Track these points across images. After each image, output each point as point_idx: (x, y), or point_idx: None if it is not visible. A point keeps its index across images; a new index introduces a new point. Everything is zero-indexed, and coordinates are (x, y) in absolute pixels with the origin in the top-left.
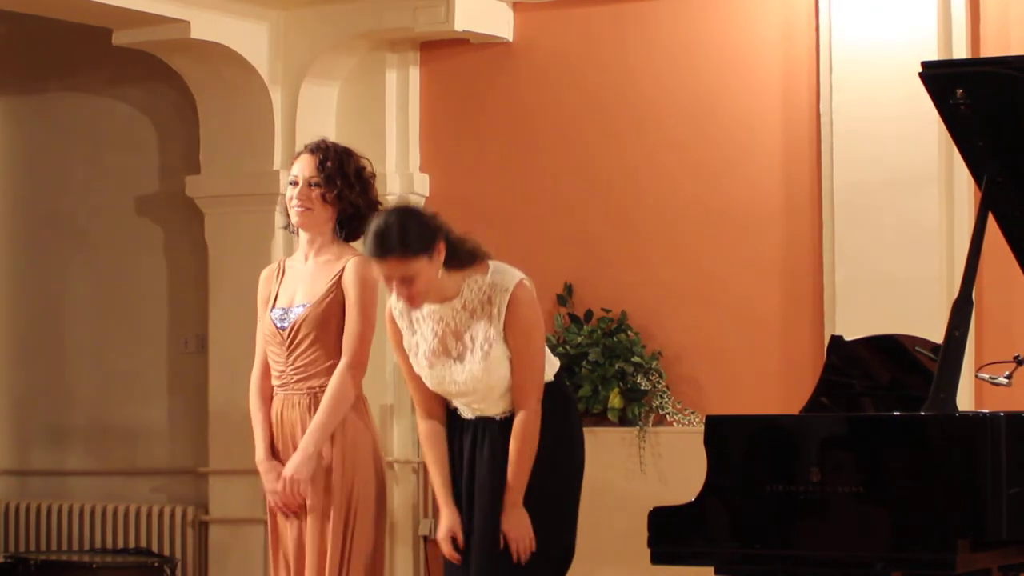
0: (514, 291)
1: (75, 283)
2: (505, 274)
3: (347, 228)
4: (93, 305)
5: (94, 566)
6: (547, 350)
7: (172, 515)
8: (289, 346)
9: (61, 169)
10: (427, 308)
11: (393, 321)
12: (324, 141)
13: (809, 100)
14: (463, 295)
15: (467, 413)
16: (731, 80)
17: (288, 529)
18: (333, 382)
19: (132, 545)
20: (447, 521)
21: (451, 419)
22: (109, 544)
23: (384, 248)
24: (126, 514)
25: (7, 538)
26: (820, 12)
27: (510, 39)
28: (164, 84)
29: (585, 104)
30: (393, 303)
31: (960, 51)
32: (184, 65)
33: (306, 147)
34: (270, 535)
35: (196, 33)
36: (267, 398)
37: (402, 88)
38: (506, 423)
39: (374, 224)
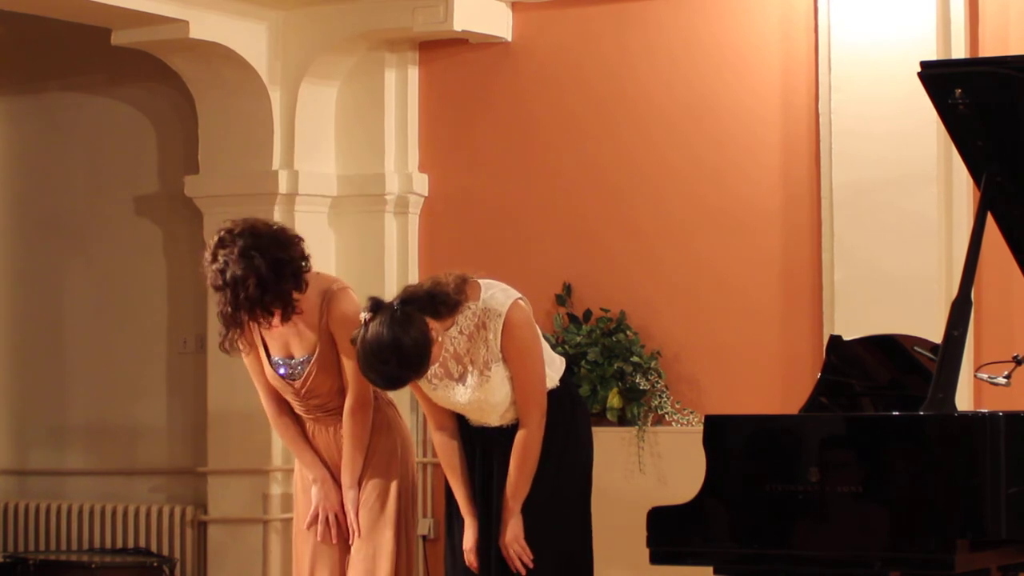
0: (508, 314)
1: (74, 283)
2: (497, 296)
3: (294, 287)
4: (92, 305)
5: (93, 566)
6: (551, 353)
7: (171, 515)
8: (305, 395)
9: (60, 169)
10: None
11: None
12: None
13: (808, 99)
14: (458, 323)
15: (472, 423)
16: (730, 80)
17: (319, 543)
18: (347, 426)
19: (131, 545)
20: (473, 532)
21: (461, 427)
22: (108, 544)
23: (400, 384)
24: (125, 514)
25: (6, 538)
26: (819, 11)
27: (509, 39)
28: (163, 84)
29: (584, 104)
30: None
31: (959, 51)
32: (183, 65)
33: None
34: (298, 547)
35: (195, 33)
36: (292, 422)
37: (401, 88)
38: (514, 429)
39: (375, 367)
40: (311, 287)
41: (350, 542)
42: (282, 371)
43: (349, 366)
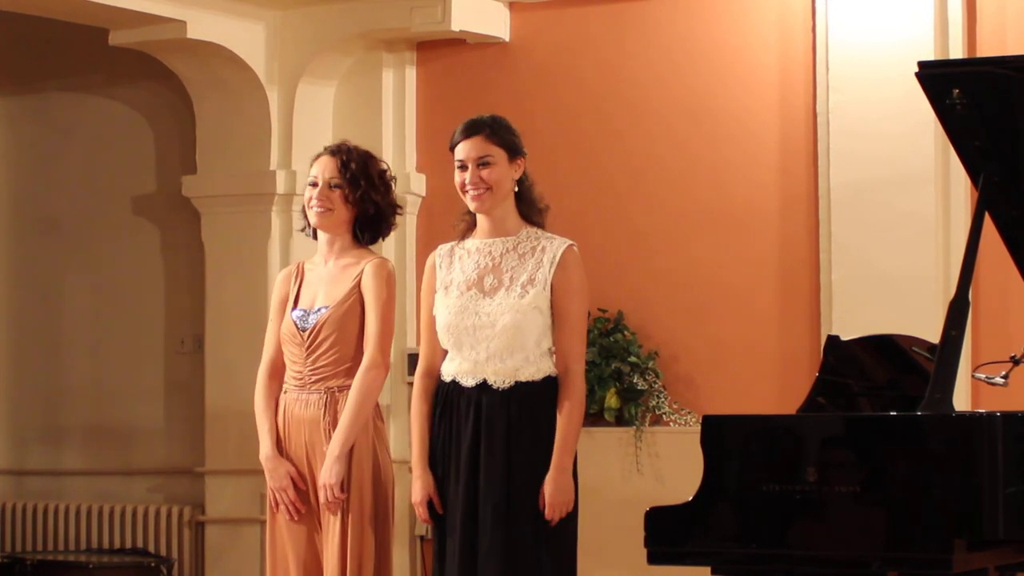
0: (568, 249)
1: (71, 283)
2: (560, 238)
3: (367, 231)
4: (90, 305)
5: (91, 566)
6: None
7: (168, 515)
8: (309, 347)
9: (58, 169)
10: (478, 243)
11: (433, 268)
12: (345, 143)
13: (806, 99)
14: (519, 236)
15: (469, 380)
16: (728, 80)
17: (289, 529)
18: (357, 383)
19: (128, 545)
20: (423, 485)
21: (448, 394)
22: (106, 544)
23: (473, 127)
24: (122, 514)
25: (3, 538)
26: (817, 11)
27: (506, 39)
28: (161, 84)
29: (582, 104)
30: (440, 248)
31: (956, 51)
32: (181, 65)
33: (326, 149)
34: (269, 533)
35: (193, 33)
36: (274, 397)
37: (399, 88)
38: (508, 396)
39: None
40: (365, 252)
41: (322, 515)
42: (299, 323)
43: (373, 325)
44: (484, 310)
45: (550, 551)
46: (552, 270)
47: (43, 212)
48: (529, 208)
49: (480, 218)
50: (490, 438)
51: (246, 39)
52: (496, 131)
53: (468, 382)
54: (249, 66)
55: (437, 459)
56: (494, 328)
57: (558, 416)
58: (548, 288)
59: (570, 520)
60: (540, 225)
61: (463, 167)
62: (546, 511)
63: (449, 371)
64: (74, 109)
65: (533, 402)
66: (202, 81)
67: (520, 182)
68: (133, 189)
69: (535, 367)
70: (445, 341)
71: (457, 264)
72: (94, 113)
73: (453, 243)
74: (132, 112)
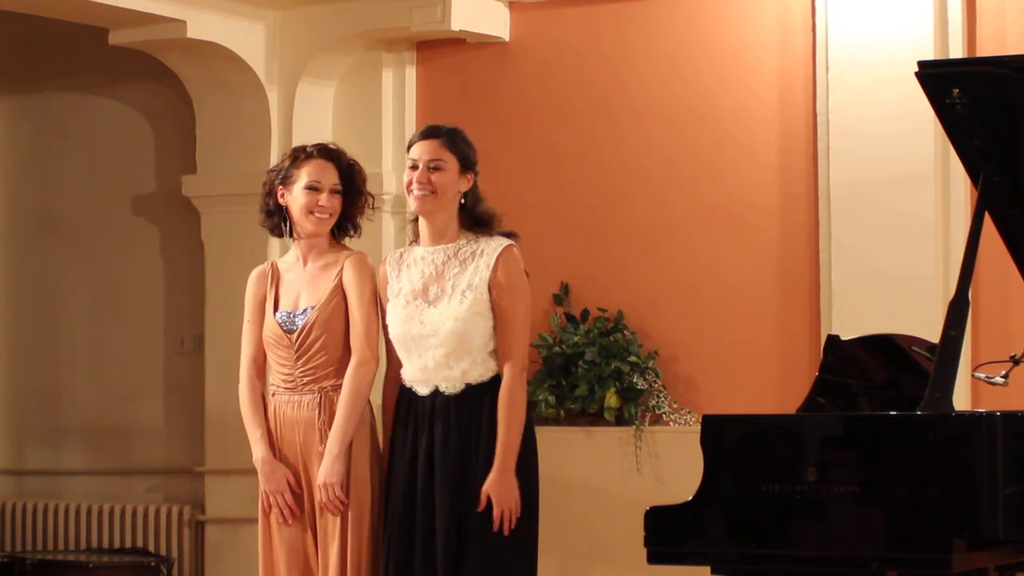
0: (505, 249)
1: (71, 282)
2: (500, 238)
3: (344, 230)
4: (89, 304)
5: (90, 566)
6: None
7: (168, 515)
8: (299, 349)
9: (57, 169)
10: (421, 251)
11: (384, 278)
12: (327, 145)
13: (805, 99)
14: (459, 243)
15: (423, 389)
16: (728, 79)
17: (281, 532)
18: (347, 381)
19: (128, 545)
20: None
21: (407, 401)
22: (105, 544)
23: (433, 131)
24: (122, 514)
25: (3, 538)
26: (816, 11)
27: (506, 39)
28: (160, 84)
29: (581, 104)
30: (389, 256)
31: (956, 50)
32: (180, 65)
33: (319, 152)
34: (261, 536)
35: (192, 33)
36: (261, 399)
37: (398, 88)
38: (460, 400)
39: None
40: (342, 249)
41: (331, 513)
42: (284, 325)
43: (359, 323)
44: (428, 319)
45: (510, 551)
46: (489, 272)
47: (43, 212)
48: (472, 222)
49: (423, 226)
50: (444, 442)
51: (246, 39)
52: (453, 140)
53: (422, 391)
54: (249, 66)
55: (395, 462)
56: (438, 336)
57: (500, 418)
58: (486, 290)
59: (527, 521)
60: (490, 229)
61: (414, 166)
62: (493, 514)
63: (406, 378)
64: (74, 109)
65: (484, 402)
66: (202, 81)
67: (466, 195)
68: (133, 189)
69: (482, 368)
70: (397, 350)
71: (405, 273)
72: (94, 113)
73: (402, 249)
74: (132, 112)
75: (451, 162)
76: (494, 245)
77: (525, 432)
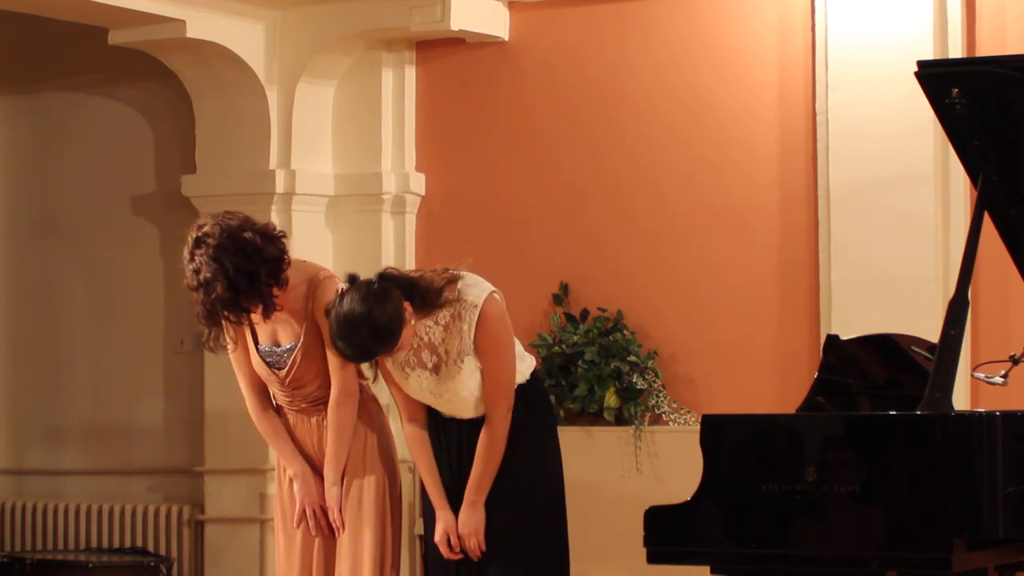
0: (483, 307)
1: (71, 282)
2: (475, 288)
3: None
4: (89, 304)
5: (90, 566)
6: (522, 350)
7: (168, 514)
8: (291, 383)
9: (57, 169)
10: None
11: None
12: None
13: (805, 98)
14: (435, 313)
15: (443, 415)
16: (727, 79)
17: (305, 537)
18: (332, 418)
19: (128, 544)
20: (443, 523)
21: (432, 418)
22: (105, 544)
23: (368, 357)
24: (122, 513)
25: (3, 538)
26: (816, 11)
27: (506, 38)
28: (160, 83)
29: (581, 103)
30: None
31: (956, 50)
32: (180, 64)
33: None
34: (283, 543)
35: (192, 32)
36: (273, 411)
37: (398, 87)
38: (481, 421)
39: (345, 336)
40: (298, 275)
41: (337, 535)
42: (268, 360)
43: (333, 358)
44: (433, 388)
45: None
46: (472, 333)
47: (42, 212)
48: (429, 303)
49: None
50: (471, 452)
51: (246, 38)
52: (387, 345)
53: (445, 416)
54: (249, 66)
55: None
56: (452, 403)
57: (476, 457)
58: (474, 350)
59: (556, 524)
60: (449, 285)
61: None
62: (467, 548)
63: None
64: (74, 109)
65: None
66: (201, 81)
67: (419, 303)
68: (132, 189)
69: None
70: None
71: None
72: (93, 113)
73: None
74: (131, 111)
75: (400, 343)
76: (470, 302)
77: (548, 435)
